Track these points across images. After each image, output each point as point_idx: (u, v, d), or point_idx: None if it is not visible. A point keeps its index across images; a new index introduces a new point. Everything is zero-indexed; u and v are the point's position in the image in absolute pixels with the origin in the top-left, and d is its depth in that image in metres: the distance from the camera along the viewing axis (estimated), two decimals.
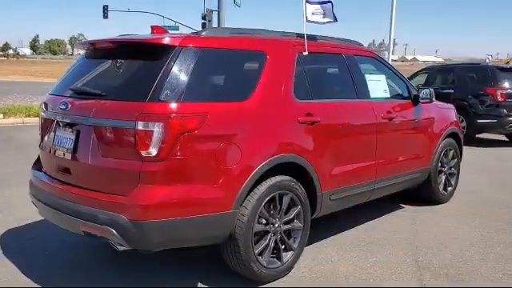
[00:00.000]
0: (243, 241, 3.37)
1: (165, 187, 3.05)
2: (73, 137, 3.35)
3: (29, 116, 13.87)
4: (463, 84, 11.26)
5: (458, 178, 6.06)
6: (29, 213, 5.19)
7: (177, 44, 3.23)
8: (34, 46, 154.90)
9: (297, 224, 3.77)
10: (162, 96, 3.05)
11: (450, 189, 5.91)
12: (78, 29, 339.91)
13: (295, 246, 3.78)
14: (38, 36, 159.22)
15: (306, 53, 3.97)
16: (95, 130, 3.19)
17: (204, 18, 24.55)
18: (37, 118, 13.88)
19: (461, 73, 11.66)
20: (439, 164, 5.58)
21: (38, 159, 4.00)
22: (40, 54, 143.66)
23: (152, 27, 3.88)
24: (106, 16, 40.38)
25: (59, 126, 3.51)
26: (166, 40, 3.27)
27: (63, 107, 3.39)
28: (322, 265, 3.96)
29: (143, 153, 3.00)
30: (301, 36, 4.07)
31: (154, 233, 3.04)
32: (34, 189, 3.76)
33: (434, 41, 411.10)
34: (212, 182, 3.20)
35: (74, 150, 3.32)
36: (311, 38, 4.19)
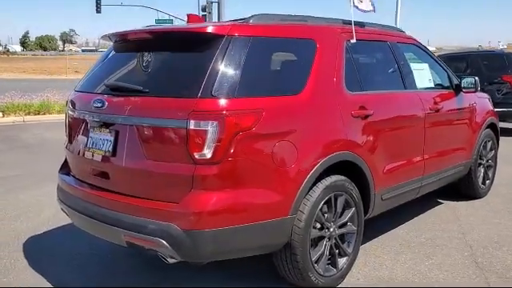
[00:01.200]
0: (300, 248, 3.07)
1: (220, 192, 2.73)
2: (111, 138, 3.02)
3: (29, 114, 13.48)
4: (478, 72, 10.94)
5: (495, 170, 5.79)
6: (48, 217, 4.88)
7: (225, 33, 2.90)
8: (24, 42, 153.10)
9: (351, 227, 3.48)
10: (214, 91, 2.73)
11: (487, 182, 5.64)
12: (68, 25, 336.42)
13: (350, 250, 3.49)
14: (28, 32, 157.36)
15: (354, 40, 3.66)
16: (139, 130, 2.87)
17: (204, 9, 24.10)
18: (38, 116, 13.52)
19: (475, 61, 11.37)
20: (479, 156, 5.30)
21: (66, 162, 3.67)
22: (31, 50, 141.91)
23: (188, 16, 3.56)
24: (98, 10, 39.75)
25: (93, 126, 3.18)
26: (214, 29, 2.94)
27: (98, 105, 3.06)
28: (377, 270, 3.67)
29: (196, 155, 2.69)
30: (347, 23, 3.75)
31: (208, 243, 2.73)
32: (64, 195, 3.43)
33: (426, 31, 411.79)
34: (269, 186, 2.89)
35: (113, 153, 3.00)
36: (358, 24, 3.87)
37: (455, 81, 4.90)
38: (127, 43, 3.40)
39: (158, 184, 2.83)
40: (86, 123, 3.27)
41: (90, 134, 3.19)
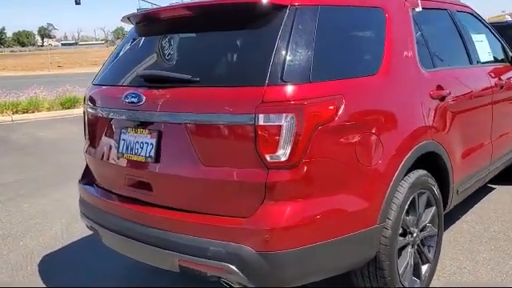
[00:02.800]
0: (388, 262, 2.54)
1: (300, 202, 2.18)
2: (152, 140, 2.44)
3: (17, 112, 12.75)
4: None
5: None
6: (61, 230, 4.29)
7: (288, 2, 2.32)
8: (0, 39, 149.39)
9: (432, 229, 2.96)
10: (285, 76, 2.16)
11: None
12: (46, 19, 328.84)
13: (431, 256, 2.97)
14: (4, 28, 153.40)
15: (419, 9, 3.09)
16: (189, 129, 2.29)
17: None
18: (27, 115, 12.77)
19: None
20: None
21: (87, 171, 3.08)
22: (8, 46, 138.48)
23: None
24: (78, 2, 38.60)
25: (126, 126, 2.59)
26: None
27: (134, 100, 2.47)
28: (458, 274, 3.17)
29: (268, 157, 2.12)
30: None
31: (291, 266, 2.19)
32: (92, 211, 2.85)
33: None
34: (354, 190, 2.35)
35: (156, 159, 2.42)
36: None
37: (510, 53, 4.38)
38: (158, 24, 2.80)
39: (220, 195, 2.26)
40: (115, 123, 2.69)
41: (123, 136, 2.60)
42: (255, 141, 2.12)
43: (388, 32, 2.73)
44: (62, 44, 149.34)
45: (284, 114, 2.11)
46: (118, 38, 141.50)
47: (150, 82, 2.50)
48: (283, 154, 2.11)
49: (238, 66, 2.32)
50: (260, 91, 2.12)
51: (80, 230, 4.31)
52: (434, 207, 2.93)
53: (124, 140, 2.59)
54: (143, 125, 2.49)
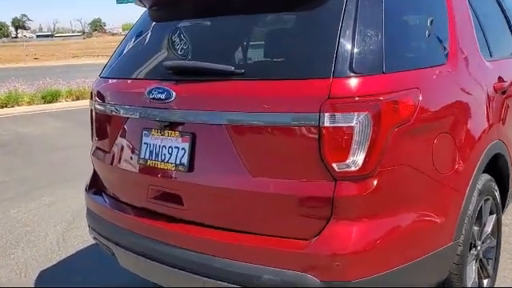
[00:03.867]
0: (458, 283, 2.18)
1: (374, 220, 1.79)
2: (184, 145, 2.02)
3: None
4: None
5: None
6: (56, 240, 3.83)
7: None
8: None
9: (492, 240, 2.61)
10: (356, 66, 1.76)
11: None
12: (19, 10, 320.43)
13: (491, 270, 2.63)
14: None
15: None
16: (233, 132, 1.88)
17: None
18: (6, 109, 12.08)
19: None
20: None
21: (96, 177, 2.65)
22: None
23: None
24: None
25: (150, 127, 2.16)
26: None
27: (161, 97, 2.04)
28: None
29: (336, 166, 1.73)
30: None
31: None
32: (105, 227, 2.42)
33: None
34: (431, 202, 1.98)
35: (190, 167, 2.00)
36: None
37: None
38: (185, 5, 2.34)
39: (271, 212, 1.86)
40: (134, 123, 2.26)
41: (145, 139, 2.17)
42: (319, 146, 1.73)
43: (450, 12, 2.35)
44: (37, 36, 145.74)
45: (356, 113, 1.71)
46: (96, 30, 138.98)
47: (181, 74, 2.07)
48: (354, 162, 1.72)
49: (294, 54, 1.91)
50: (325, 84, 1.72)
51: (79, 238, 3.87)
52: (495, 215, 2.59)
53: (147, 144, 2.17)
54: (172, 126, 2.06)
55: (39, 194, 5.19)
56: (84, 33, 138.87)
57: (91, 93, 2.61)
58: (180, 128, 2.04)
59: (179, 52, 2.17)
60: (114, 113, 2.35)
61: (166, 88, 2.03)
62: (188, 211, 2.06)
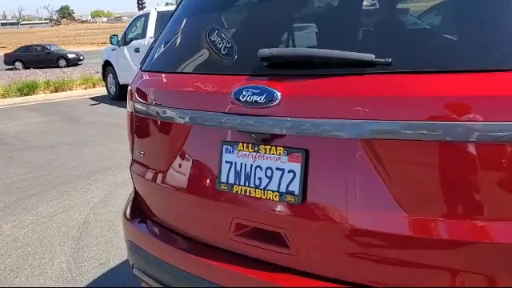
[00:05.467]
0: None
1: None
2: (294, 166, 1.44)
3: None
4: None
5: None
6: (65, 263, 3.16)
7: None
8: None
9: None
10: None
11: None
12: None
13: None
14: None
15: None
16: (379, 149, 1.31)
17: None
18: None
19: None
20: None
21: (139, 201, 2.05)
22: None
23: None
24: None
25: (235, 140, 1.58)
26: None
27: (259, 99, 1.45)
28: None
29: None
30: None
31: None
32: (159, 269, 1.83)
33: None
34: None
35: (303, 197, 1.43)
36: None
37: None
38: None
39: (450, 265, 1.30)
40: (206, 133, 1.67)
41: (227, 157, 1.59)
42: None
43: None
44: (2, 24, 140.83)
45: None
46: (64, 17, 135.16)
47: (287, 67, 1.48)
48: None
49: (475, 33, 1.32)
50: None
51: (93, 261, 3.27)
52: None
53: (230, 163, 1.58)
54: (274, 140, 1.48)
55: (33, 203, 4.53)
56: (51, 20, 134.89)
57: (130, 91, 2.00)
58: (286, 142, 1.46)
59: (274, 35, 1.58)
60: (171, 119, 1.75)
61: (267, 87, 1.45)
62: (296, 257, 1.49)
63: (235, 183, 1.57)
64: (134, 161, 2.03)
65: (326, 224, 1.42)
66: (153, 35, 9.68)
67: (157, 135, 1.88)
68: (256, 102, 1.46)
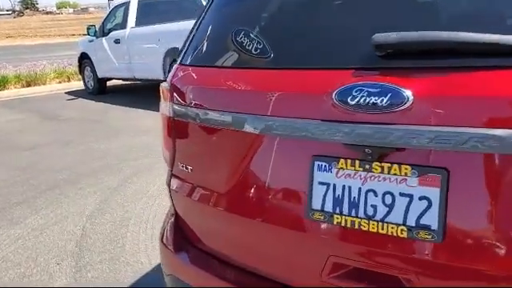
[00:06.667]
0: None
1: None
2: (430, 191, 1.08)
3: None
4: None
5: None
6: None
7: None
8: None
9: None
10: None
11: None
12: None
13: None
14: None
15: None
16: None
17: None
18: None
19: None
20: None
21: (181, 226, 1.66)
22: None
23: None
24: None
25: (332, 154, 1.20)
26: None
27: (379, 101, 1.08)
28: None
29: None
30: None
31: None
32: None
33: None
34: None
35: (444, 233, 1.07)
36: None
37: None
38: None
39: None
40: (289, 146, 1.29)
41: (320, 177, 1.22)
42: None
43: None
44: None
45: None
46: (28, 8, 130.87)
47: (413, 57, 1.10)
48: None
49: None
50: None
51: (99, 282, 2.85)
52: None
53: (326, 185, 1.21)
54: (396, 155, 1.11)
55: (19, 214, 4.05)
56: (14, 11, 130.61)
57: (167, 90, 1.60)
58: (417, 159, 1.09)
59: (388, 13, 1.20)
60: (236, 127, 1.36)
61: (392, 85, 1.08)
62: None
63: (335, 212, 1.20)
64: (174, 176, 1.63)
65: (473, 269, 1.06)
66: (134, 25, 9.15)
67: (212, 147, 1.49)
68: (375, 104, 1.08)
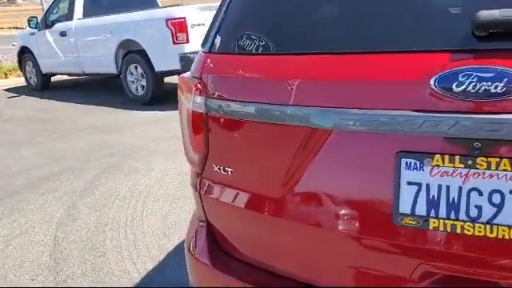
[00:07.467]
0: None
1: None
2: None
3: None
4: None
5: None
6: None
7: None
8: None
9: None
10: None
11: None
12: None
13: None
14: None
15: None
16: None
17: None
18: None
19: None
20: None
21: (217, 236, 1.46)
22: None
23: None
24: None
25: (425, 150, 1.05)
26: None
27: (495, 88, 0.95)
28: None
29: None
30: None
31: None
32: None
33: None
34: None
35: None
36: None
37: None
38: None
39: None
40: (364, 141, 1.13)
41: (410, 176, 1.07)
42: None
43: None
44: None
45: None
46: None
47: None
48: None
49: None
50: None
51: None
52: None
53: (417, 185, 1.06)
54: (508, 149, 0.98)
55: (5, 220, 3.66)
56: None
57: (200, 81, 1.39)
58: None
59: None
60: (296, 122, 1.18)
61: (508, 70, 0.94)
62: None
63: (430, 215, 1.05)
64: (206, 180, 1.43)
65: None
66: (82, 16, 8.62)
67: (263, 146, 1.29)
68: (487, 91, 0.94)
